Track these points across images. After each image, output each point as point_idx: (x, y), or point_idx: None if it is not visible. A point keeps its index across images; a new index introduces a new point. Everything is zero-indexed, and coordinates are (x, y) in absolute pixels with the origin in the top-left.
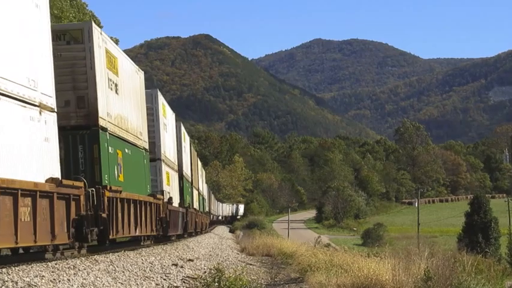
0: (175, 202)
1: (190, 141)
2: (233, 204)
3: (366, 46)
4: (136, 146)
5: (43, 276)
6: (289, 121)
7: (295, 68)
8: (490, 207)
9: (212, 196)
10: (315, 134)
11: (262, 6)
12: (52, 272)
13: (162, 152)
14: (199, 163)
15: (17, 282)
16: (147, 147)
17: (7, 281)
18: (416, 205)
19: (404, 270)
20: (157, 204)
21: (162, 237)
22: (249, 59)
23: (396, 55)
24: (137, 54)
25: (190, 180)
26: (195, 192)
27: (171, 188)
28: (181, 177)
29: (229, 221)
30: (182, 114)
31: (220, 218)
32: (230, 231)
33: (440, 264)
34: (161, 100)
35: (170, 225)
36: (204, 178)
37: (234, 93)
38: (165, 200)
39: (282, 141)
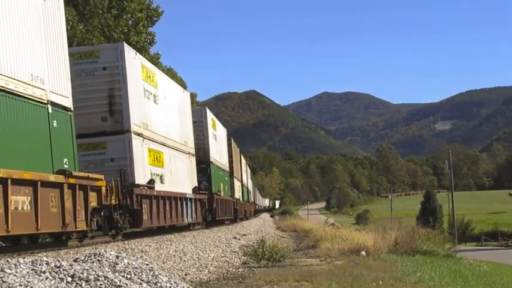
0: (173, 186)
1: (228, 135)
2: (272, 200)
3: (356, 96)
4: (13, 94)
5: (150, 245)
6: (308, 145)
7: (311, 110)
8: (436, 198)
9: (257, 192)
10: (325, 152)
11: (291, 68)
12: (156, 242)
13: (137, 122)
14: (244, 160)
15: (133, 250)
16: (66, 104)
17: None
18: (390, 198)
19: (382, 238)
20: (89, 186)
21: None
22: (281, 105)
23: (376, 102)
24: (210, 104)
25: (227, 170)
26: (237, 183)
27: (170, 171)
28: (205, 163)
29: (270, 210)
30: (239, 142)
31: (262, 208)
32: (271, 217)
33: (404, 235)
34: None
35: (144, 216)
36: (248, 174)
37: (272, 128)
38: (139, 182)
39: (303, 158)
